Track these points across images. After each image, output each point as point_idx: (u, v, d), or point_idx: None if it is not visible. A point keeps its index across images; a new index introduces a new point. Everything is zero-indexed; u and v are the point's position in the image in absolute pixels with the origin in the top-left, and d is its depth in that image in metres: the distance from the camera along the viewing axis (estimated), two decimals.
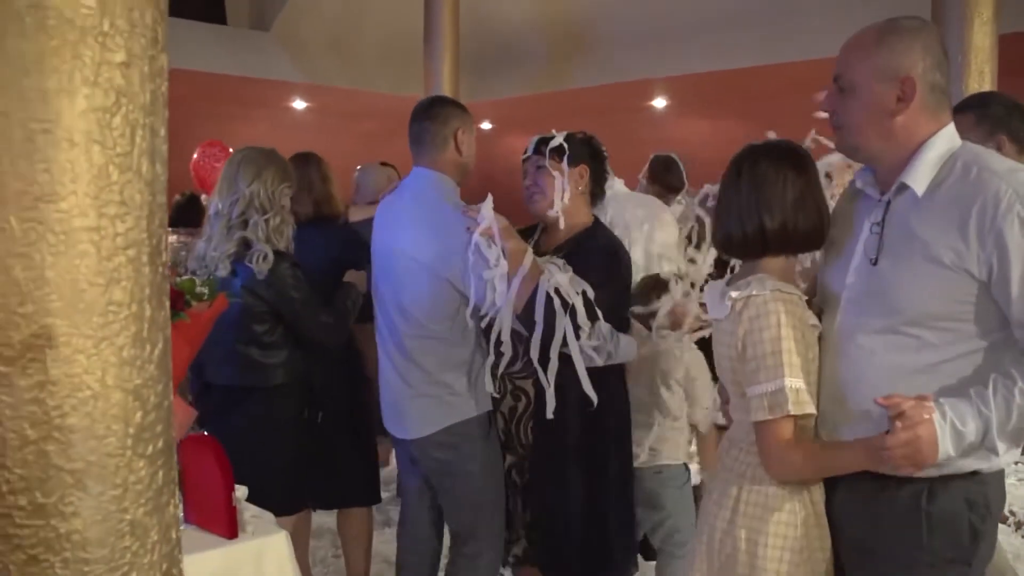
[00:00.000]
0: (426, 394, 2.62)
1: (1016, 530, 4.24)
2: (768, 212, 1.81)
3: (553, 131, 2.62)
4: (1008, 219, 1.53)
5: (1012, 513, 4.59)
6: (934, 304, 1.62)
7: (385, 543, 3.89)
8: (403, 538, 2.94)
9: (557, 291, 2.36)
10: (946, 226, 1.59)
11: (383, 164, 4.39)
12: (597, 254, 2.57)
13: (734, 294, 1.80)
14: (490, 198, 2.43)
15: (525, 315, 2.40)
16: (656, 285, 3.12)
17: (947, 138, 1.69)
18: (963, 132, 2.61)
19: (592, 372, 2.43)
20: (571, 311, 2.35)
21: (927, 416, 1.51)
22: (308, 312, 2.90)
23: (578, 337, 2.37)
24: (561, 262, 2.52)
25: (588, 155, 2.62)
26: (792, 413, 1.70)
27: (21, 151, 0.88)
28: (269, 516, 2.29)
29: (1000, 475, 1.70)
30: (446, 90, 5.73)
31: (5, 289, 0.89)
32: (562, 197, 2.53)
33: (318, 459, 3.09)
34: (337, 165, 5.91)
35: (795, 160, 1.84)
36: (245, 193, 2.81)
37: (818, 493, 1.79)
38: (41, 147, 0.88)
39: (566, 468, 2.59)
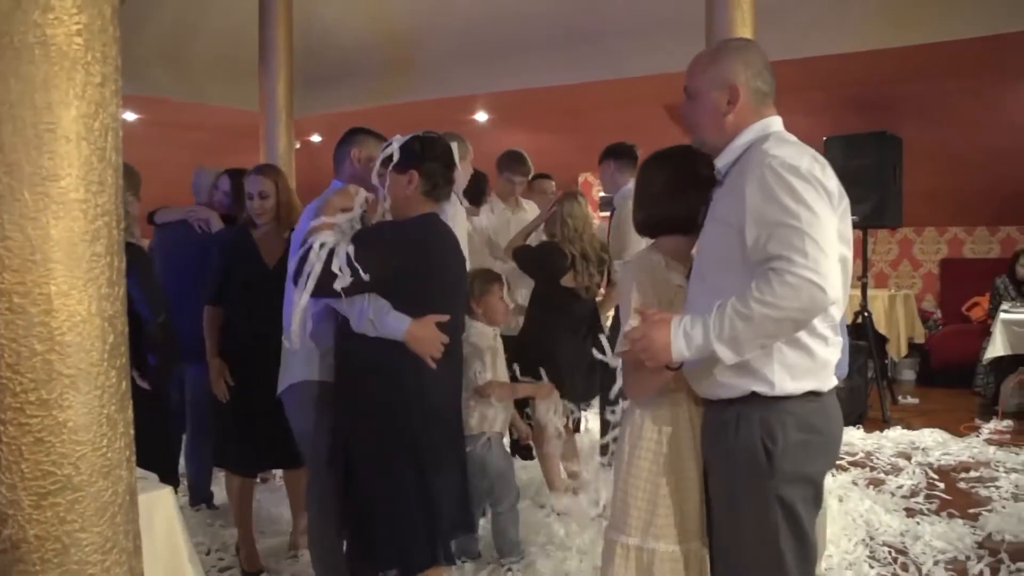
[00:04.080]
0: (285, 357, 3.05)
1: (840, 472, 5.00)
2: (645, 206, 2.37)
3: (394, 138, 2.80)
4: (751, 180, 1.93)
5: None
6: (716, 255, 2.06)
7: None
8: None
9: (323, 246, 2.61)
10: (732, 192, 2.01)
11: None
12: (377, 227, 2.81)
13: (617, 263, 2.37)
14: (335, 184, 2.87)
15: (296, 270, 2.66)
16: (484, 277, 3.66)
17: (757, 129, 2.04)
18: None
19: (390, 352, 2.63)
20: (326, 262, 2.56)
21: (659, 320, 1.93)
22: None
23: (332, 286, 2.54)
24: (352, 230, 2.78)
25: (419, 160, 2.74)
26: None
27: (33, 144, 1.25)
28: (153, 476, 2.56)
29: (793, 404, 1.96)
30: (280, 104, 5.89)
31: (21, 244, 1.25)
32: (384, 200, 2.80)
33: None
34: (169, 176, 6.07)
35: (670, 161, 2.32)
36: None
37: (685, 418, 2.21)
38: (47, 142, 1.26)
39: (356, 437, 2.74)
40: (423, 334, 2.64)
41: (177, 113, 8.06)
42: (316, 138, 10.20)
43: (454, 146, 2.84)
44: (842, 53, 6.21)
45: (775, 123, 2.10)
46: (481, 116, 8.83)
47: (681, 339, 1.88)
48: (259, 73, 5.90)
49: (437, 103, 7.96)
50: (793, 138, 2.06)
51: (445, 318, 2.67)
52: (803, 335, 1.93)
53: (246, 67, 6.32)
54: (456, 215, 3.64)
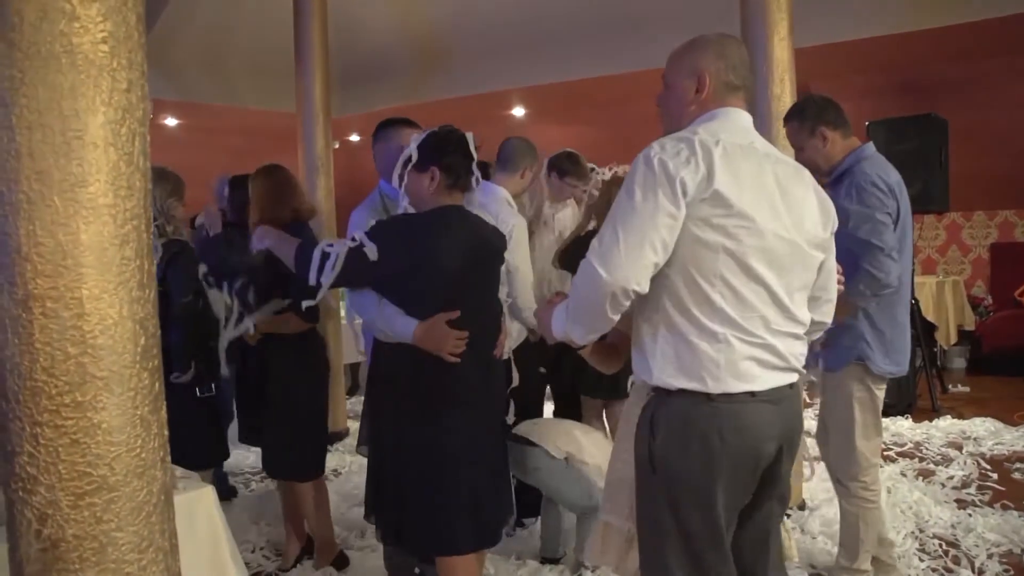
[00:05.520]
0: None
1: None
2: None
3: (412, 137, 2.82)
4: None
5: None
6: None
7: None
8: None
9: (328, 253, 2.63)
10: None
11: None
12: (392, 220, 2.79)
13: None
14: (383, 184, 2.85)
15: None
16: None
17: (701, 119, 2.02)
18: (792, 137, 3.16)
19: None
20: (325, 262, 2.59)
21: (550, 302, 2.06)
22: None
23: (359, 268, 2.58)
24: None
25: (438, 158, 2.72)
26: None
27: (62, 151, 1.27)
28: (195, 475, 2.61)
29: (680, 399, 1.88)
30: (317, 105, 5.95)
31: (52, 249, 1.27)
32: (403, 199, 2.80)
33: None
34: (210, 180, 6.16)
35: None
36: None
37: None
38: (76, 149, 1.28)
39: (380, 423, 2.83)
40: (429, 334, 2.62)
41: (216, 117, 8.18)
42: (355, 137, 10.28)
43: (469, 136, 2.79)
44: (882, 35, 6.09)
45: (721, 113, 2.03)
46: (518, 111, 8.83)
47: (556, 319, 2.00)
48: (295, 74, 5.95)
49: (474, 99, 7.99)
50: (717, 130, 1.97)
51: (455, 314, 2.62)
52: (687, 329, 1.86)
53: (283, 69, 6.38)
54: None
